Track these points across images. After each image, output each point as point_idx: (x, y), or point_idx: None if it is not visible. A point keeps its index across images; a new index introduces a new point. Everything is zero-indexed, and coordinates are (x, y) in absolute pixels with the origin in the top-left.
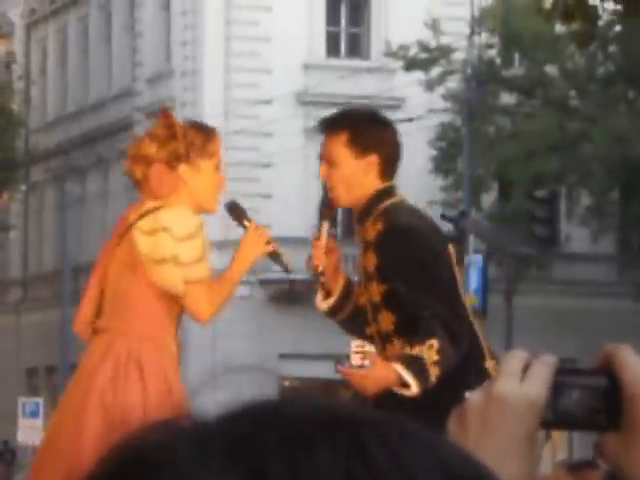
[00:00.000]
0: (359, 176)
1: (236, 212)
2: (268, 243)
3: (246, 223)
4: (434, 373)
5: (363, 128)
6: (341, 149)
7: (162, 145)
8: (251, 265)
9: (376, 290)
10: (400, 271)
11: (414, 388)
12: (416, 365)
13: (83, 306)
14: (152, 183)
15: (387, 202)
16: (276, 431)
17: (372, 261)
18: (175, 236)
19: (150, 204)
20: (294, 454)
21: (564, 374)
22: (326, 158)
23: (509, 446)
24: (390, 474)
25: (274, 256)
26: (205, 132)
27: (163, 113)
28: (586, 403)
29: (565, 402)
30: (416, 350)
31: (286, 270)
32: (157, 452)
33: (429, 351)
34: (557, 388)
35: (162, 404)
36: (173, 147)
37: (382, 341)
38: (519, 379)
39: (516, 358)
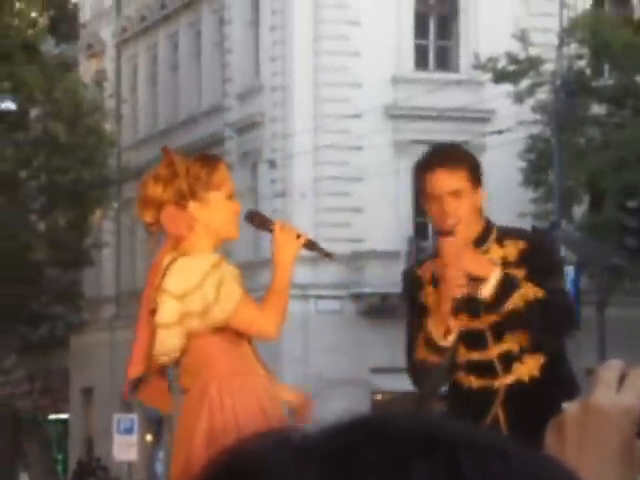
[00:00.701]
0: (478, 209)
1: (257, 219)
2: (298, 237)
3: (271, 227)
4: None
5: (477, 163)
6: (464, 183)
7: (167, 185)
8: (292, 264)
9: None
10: (549, 276)
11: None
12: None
13: (134, 360)
14: (167, 227)
15: (495, 225)
16: (374, 449)
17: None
18: (174, 295)
19: (167, 259)
20: (388, 473)
21: None
22: (451, 192)
23: (608, 456)
24: None
25: (309, 246)
26: (209, 163)
27: (164, 152)
28: None
29: None
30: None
31: (327, 256)
32: (257, 460)
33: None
34: None
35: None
36: (177, 185)
37: (506, 362)
38: (615, 389)
39: (612, 368)
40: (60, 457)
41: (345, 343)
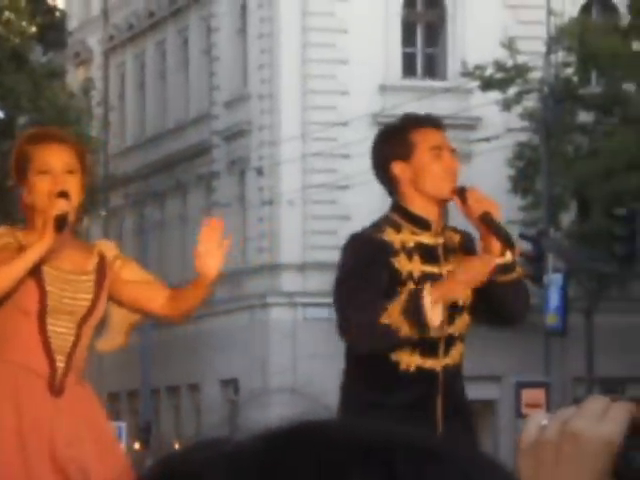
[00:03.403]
0: None
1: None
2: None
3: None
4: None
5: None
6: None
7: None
8: (40, 248)
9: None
10: None
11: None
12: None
13: None
14: None
15: None
16: (309, 456)
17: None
18: None
19: None
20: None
21: None
22: (450, 147)
23: None
24: None
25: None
26: (33, 140)
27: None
28: None
29: None
30: None
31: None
32: (189, 470)
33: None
34: (634, 437)
35: None
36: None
37: (448, 345)
38: (597, 420)
39: (597, 400)
40: None
41: (334, 351)
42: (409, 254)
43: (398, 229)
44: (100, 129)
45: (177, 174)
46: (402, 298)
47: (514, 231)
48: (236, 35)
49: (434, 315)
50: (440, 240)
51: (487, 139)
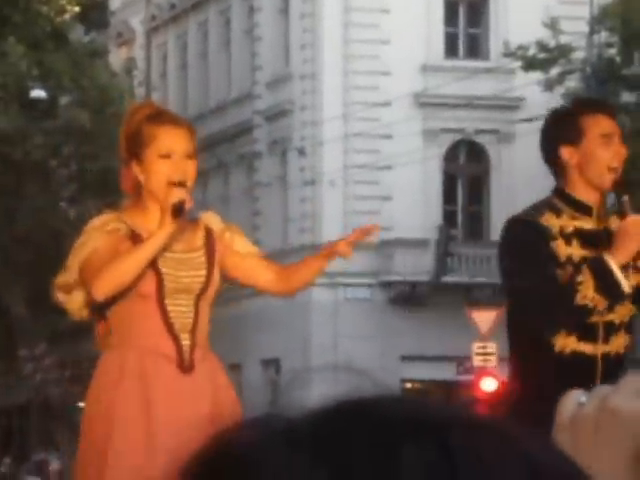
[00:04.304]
0: None
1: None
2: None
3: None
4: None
5: None
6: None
7: (121, 142)
8: (159, 239)
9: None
10: None
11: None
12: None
13: None
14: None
15: None
16: (364, 431)
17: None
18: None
19: None
20: (378, 456)
21: None
22: (620, 135)
23: (620, 460)
24: None
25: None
26: (153, 117)
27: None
28: None
29: None
30: None
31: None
32: (246, 448)
33: None
34: None
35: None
36: (121, 142)
37: (607, 332)
38: (636, 396)
39: (635, 378)
40: None
41: (375, 331)
42: (567, 239)
43: (558, 213)
44: None
45: (219, 154)
46: (588, 276)
47: None
48: (278, 15)
49: (624, 281)
50: (601, 225)
51: (529, 120)
